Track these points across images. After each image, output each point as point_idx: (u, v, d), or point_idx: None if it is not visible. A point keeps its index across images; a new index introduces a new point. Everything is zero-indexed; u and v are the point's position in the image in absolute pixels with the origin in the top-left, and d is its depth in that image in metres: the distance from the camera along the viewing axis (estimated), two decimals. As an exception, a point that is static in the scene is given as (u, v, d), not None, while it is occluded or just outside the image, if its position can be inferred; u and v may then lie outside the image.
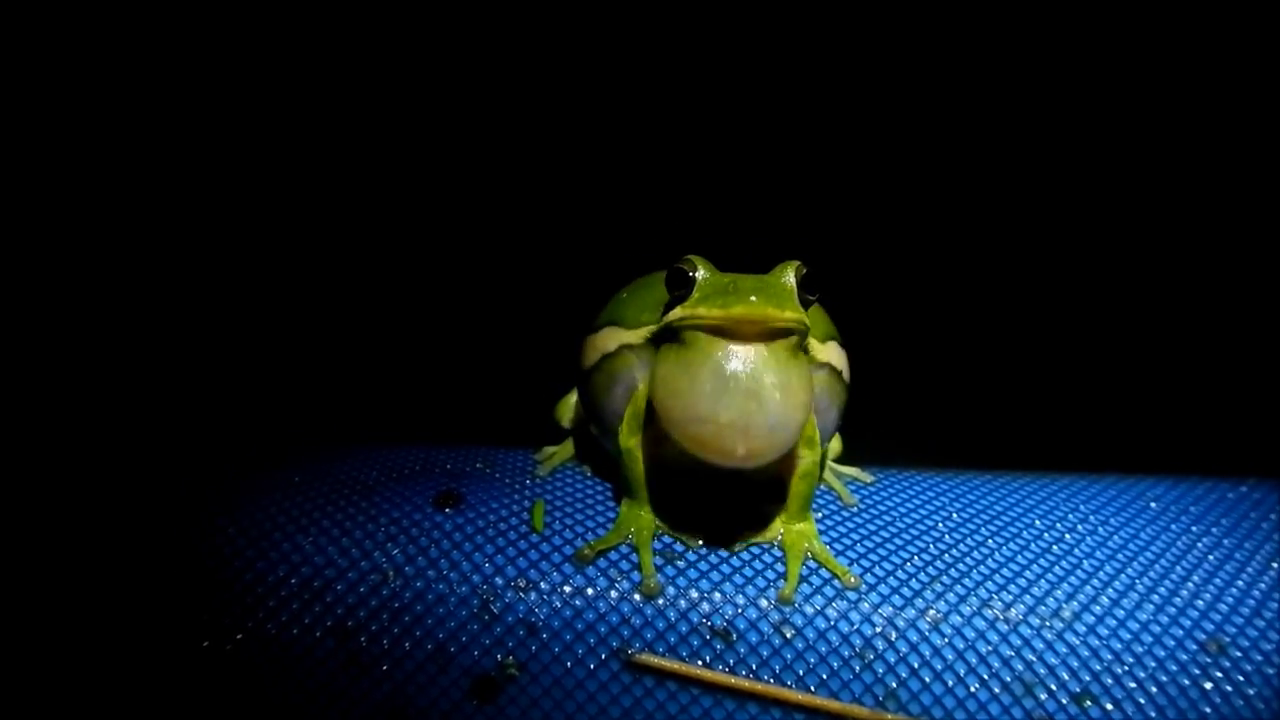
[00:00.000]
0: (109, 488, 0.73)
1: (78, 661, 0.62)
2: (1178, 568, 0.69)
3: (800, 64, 1.35)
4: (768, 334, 0.60)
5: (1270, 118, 1.29)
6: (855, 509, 0.75)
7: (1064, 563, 0.69)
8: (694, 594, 0.64)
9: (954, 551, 0.70)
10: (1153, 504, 0.77)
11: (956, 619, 0.64)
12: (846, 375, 0.72)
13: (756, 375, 0.59)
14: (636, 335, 0.68)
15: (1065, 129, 1.36)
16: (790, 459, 0.68)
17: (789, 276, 0.63)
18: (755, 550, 0.68)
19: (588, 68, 1.34)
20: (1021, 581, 0.67)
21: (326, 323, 1.30)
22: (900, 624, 0.64)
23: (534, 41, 1.33)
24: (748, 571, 0.66)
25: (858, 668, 0.62)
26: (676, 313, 0.63)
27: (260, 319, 1.27)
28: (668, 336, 0.64)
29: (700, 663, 0.62)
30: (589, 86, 1.34)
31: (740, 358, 0.60)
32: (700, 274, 0.63)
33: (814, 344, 0.68)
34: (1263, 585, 0.68)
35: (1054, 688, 0.62)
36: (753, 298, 0.59)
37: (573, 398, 0.83)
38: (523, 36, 1.32)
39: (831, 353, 0.70)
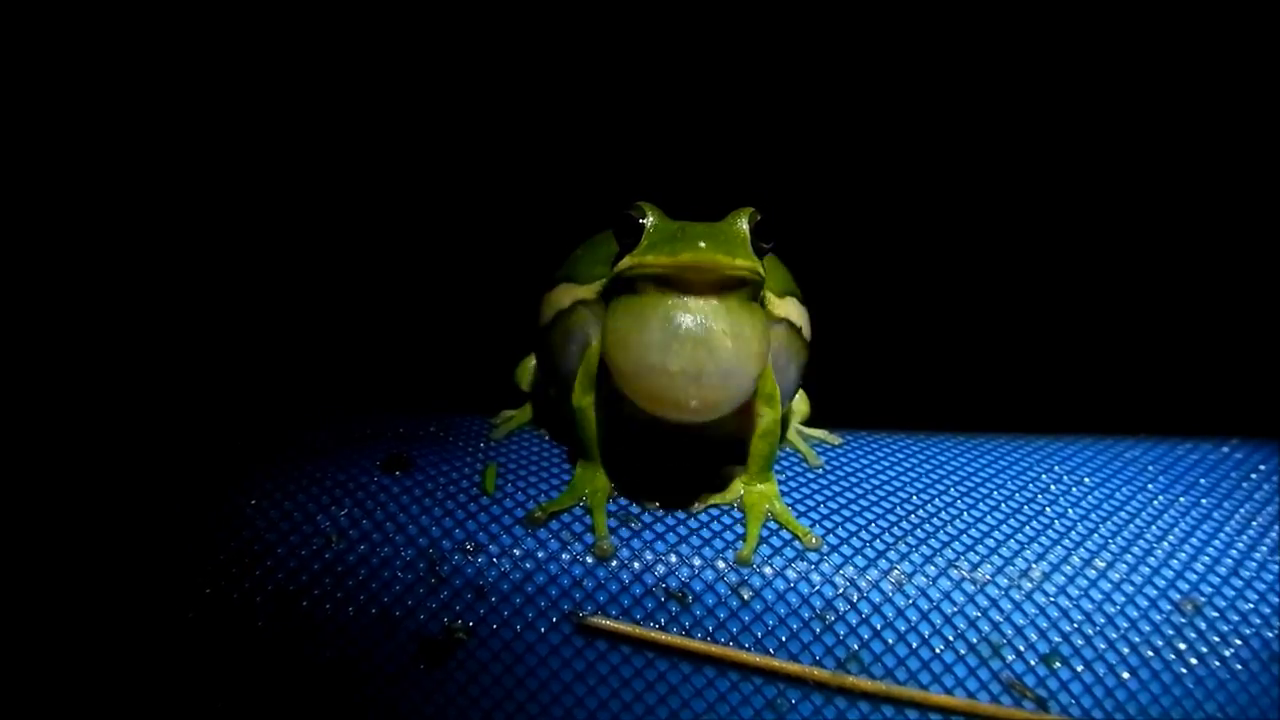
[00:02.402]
0: (45, 452, 0.71)
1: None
2: (1153, 527, 0.67)
3: (765, 10, 1.32)
4: (719, 283, 0.58)
5: (1214, 83, 1.26)
6: (820, 471, 0.72)
7: (1035, 523, 0.67)
8: (649, 556, 0.62)
9: (921, 512, 0.67)
10: (1130, 464, 0.75)
11: (921, 580, 0.62)
12: (807, 332, 0.70)
13: (707, 323, 0.57)
14: (590, 290, 0.66)
15: (1033, 85, 1.32)
16: (750, 417, 0.66)
17: (742, 223, 0.60)
18: (714, 512, 0.65)
19: (542, 15, 1.30)
20: (990, 542, 0.65)
21: (286, 290, 1.27)
22: (863, 585, 0.61)
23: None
24: (705, 533, 0.64)
25: (818, 630, 0.60)
26: (625, 262, 0.60)
27: (209, 283, 1.24)
28: (619, 288, 0.62)
29: (655, 625, 0.60)
30: (542, 35, 1.31)
31: (690, 307, 0.58)
32: (649, 221, 0.60)
33: (771, 298, 0.65)
34: (1241, 544, 0.66)
35: (1022, 649, 0.60)
36: (702, 244, 0.57)
37: (532, 360, 0.81)
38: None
39: (790, 308, 0.68)
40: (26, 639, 0.61)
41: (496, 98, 1.33)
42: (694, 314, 0.57)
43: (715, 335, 0.57)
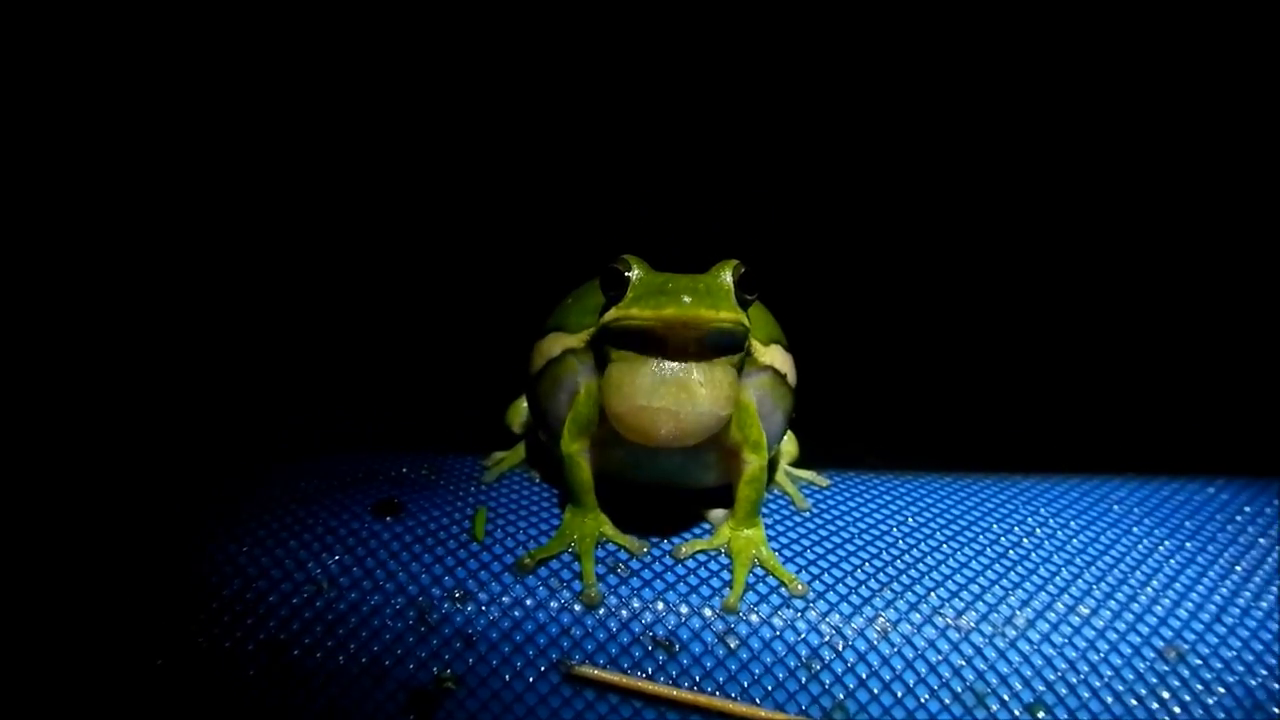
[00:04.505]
0: (33, 493, 0.72)
1: None
2: (1137, 572, 0.68)
3: (744, 60, 1.33)
4: (704, 335, 0.59)
5: (1225, 110, 1.27)
6: (808, 514, 0.73)
7: (1019, 568, 0.67)
8: (636, 604, 0.63)
9: (906, 557, 0.68)
10: (1115, 506, 0.76)
11: (906, 627, 0.62)
12: (792, 378, 0.71)
13: (688, 376, 0.60)
14: (579, 339, 0.67)
15: (1013, 113, 1.33)
16: (737, 463, 0.67)
17: (726, 276, 0.61)
18: (701, 558, 0.66)
19: (532, 66, 1.31)
20: (974, 588, 0.65)
21: (280, 324, 1.27)
22: (848, 633, 0.62)
23: (478, 46, 1.31)
24: (692, 580, 0.64)
25: (804, 678, 0.60)
26: (611, 314, 0.61)
27: (204, 316, 1.24)
28: (607, 337, 0.63)
29: (642, 675, 0.60)
30: (534, 86, 1.32)
31: (676, 361, 0.60)
32: (634, 274, 0.61)
33: (757, 346, 0.66)
34: (1224, 590, 0.66)
35: (1006, 698, 0.60)
36: (686, 298, 0.58)
37: (524, 402, 0.82)
38: (463, 43, 1.31)
39: (774, 355, 0.69)
40: (14, 686, 0.62)
41: (490, 139, 1.34)
42: (678, 366, 0.60)
43: (694, 385, 0.60)
